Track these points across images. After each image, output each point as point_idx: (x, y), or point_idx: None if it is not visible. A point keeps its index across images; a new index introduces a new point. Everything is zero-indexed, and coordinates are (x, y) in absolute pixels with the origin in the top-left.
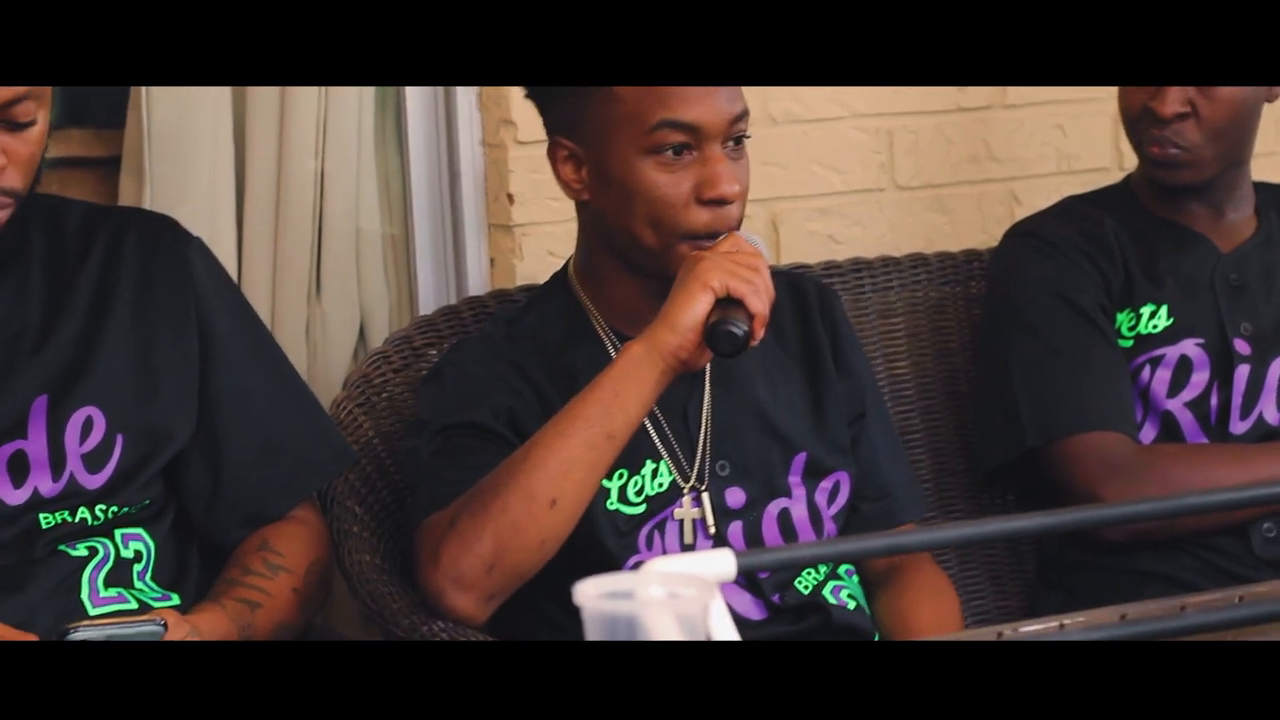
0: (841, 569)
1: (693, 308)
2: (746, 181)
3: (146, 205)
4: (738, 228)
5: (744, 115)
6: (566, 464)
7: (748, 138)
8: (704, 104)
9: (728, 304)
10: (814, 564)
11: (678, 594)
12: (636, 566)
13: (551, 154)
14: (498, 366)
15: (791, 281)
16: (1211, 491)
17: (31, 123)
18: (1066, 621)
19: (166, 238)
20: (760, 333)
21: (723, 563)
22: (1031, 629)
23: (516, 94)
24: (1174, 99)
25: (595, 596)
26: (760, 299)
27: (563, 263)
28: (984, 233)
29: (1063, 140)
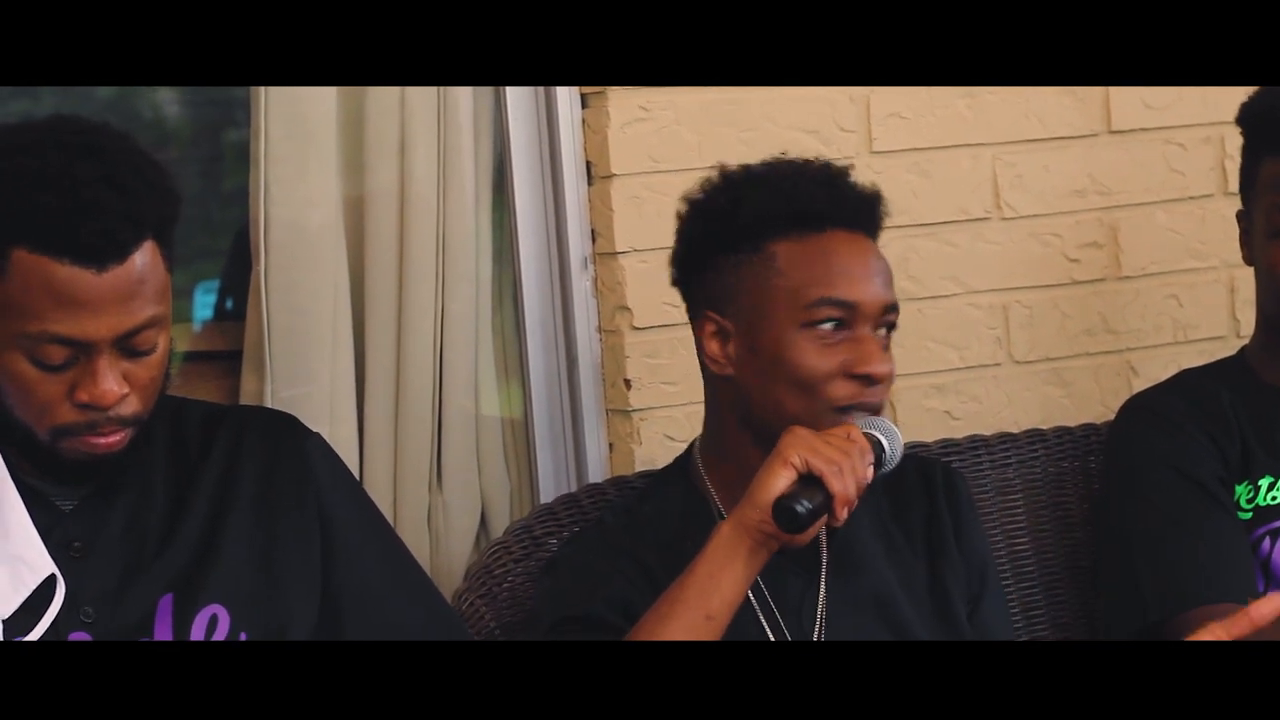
0: None
1: (772, 483)
2: (894, 369)
3: (267, 398)
4: (879, 412)
5: (895, 308)
6: None
7: (894, 329)
8: (863, 286)
9: (809, 482)
10: None
11: None
12: None
13: (698, 330)
14: (614, 558)
15: (920, 464)
16: None
17: (152, 350)
18: None
19: (286, 434)
20: (843, 514)
21: None
22: None
23: (632, 279)
24: None
25: None
26: (843, 480)
27: (681, 447)
28: (1102, 405)
29: (1178, 310)
